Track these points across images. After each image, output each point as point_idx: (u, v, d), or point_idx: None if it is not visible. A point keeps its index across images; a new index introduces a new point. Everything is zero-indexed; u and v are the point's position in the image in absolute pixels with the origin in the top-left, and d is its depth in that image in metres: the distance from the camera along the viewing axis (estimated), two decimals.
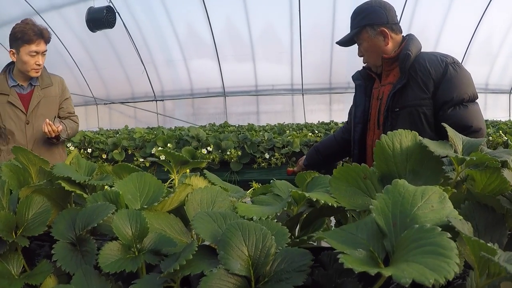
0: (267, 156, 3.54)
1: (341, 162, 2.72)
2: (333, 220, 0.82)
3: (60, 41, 9.72)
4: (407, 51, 1.78)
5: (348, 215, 0.76)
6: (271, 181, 0.84)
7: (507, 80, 10.68)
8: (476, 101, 1.79)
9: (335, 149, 2.25)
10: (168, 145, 3.74)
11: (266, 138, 3.75)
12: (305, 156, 2.38)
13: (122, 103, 11.47)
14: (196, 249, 0.52)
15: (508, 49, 9.77)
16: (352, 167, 0.65)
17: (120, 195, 0.70)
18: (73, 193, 0.78)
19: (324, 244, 0.67)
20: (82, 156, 3.80)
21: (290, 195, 0.68)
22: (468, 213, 0.58)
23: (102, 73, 10.90)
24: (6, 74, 2.43)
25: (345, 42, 1.96)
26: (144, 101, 11.37)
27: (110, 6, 7.07)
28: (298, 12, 9.00)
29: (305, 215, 0.72)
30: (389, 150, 0.67)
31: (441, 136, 1.53)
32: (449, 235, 0.41)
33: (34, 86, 2.44)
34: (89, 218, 0.65)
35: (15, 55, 2.34)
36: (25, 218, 0.72)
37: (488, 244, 0.43)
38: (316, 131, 5.46)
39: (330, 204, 0.61)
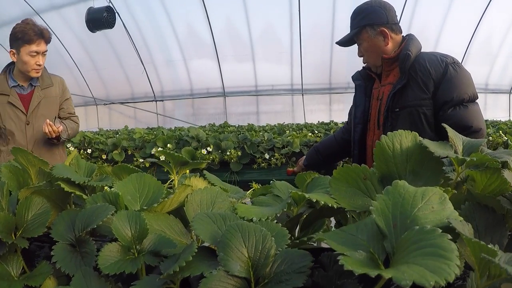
0: (267, 156, 3.54)
1: (341, 162, 2.72)
2: (333, 220, 0.82)
3: (60, 41, 9.72)
4: (407, 51, 1.77)
5: (348, 216, 0.76)
6: (271, 181, 0.84)
7: (507, 80, 10.68)
8: (476, 101, 1.79)
9: (335, 150, 2.25)
10: (168, 145, 3.74)
11: (266, 138, 3.75)
12: (305, 156, 2.38)
13: (122, 103, 11.47)
14: (196, 250, 0.52)
15: (508, 49, 9.77)
16: (352, 167, 0.65)
17: (120, 196, 0.70)
18: (72, 194, 0.78)
19: (324, 245, 0.67)
20: (82, 156, 3.80)
21: (290, 196, 0.68)
22: (468, 214, 0.58)
23: (102, 73, 10.90)
24: (6, 75, 2.43)
25: (345, 42, 1.96)
26: (144, 101, 11.37)
27: (109, 6, 7.07)
28: (298, 12, 8.99)
29: (305, 216, 0.72)
30: (389, 151, 0.67)
31: (441, 136, 1.53)
32: (449, 236, 0.41)
33: (35, 86, 2.44)
34: (89, 219, 0.65)
35: (15, 55, 2.34)
36: (24, 219, 0.71)
37: (489, 246, 0.43)
38: (316, 131, 5.46)
39: (330, 205, 0.61)
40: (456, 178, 0.69)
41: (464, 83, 1.74)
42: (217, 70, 10.41)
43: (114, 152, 3.82)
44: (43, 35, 2.35)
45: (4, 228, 0.68)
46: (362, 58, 1.96)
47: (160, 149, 3.58)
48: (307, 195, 0.63)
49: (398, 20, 1.92)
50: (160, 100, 11.41)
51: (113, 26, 7.06)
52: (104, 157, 3.87)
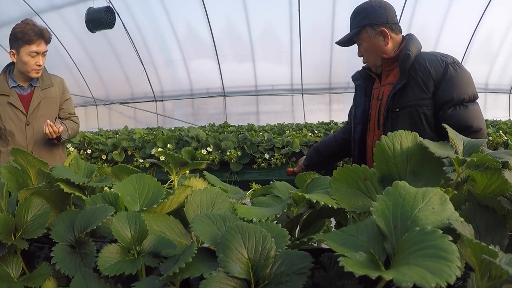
0: (267, 156, 3.54)
1: (341, 162, 2.72)
2: (333, 221, 0.82)
3: (60, 41, 9.73)
4: (407, 51, 1.77)
5: (348, 217, 0.76)
6: (271, 182, 0.84)
7: (507, 80, 10.68)
8: (476, 101, 1.79)
9: (335, 150, 2.25)
10: (168, 145, 3.74)
11: (266, 139, 3.75)
12: (305, 156, 2.38)
13: (122, 103, 11.47)
14: (196, 251, 0.52)
15: (508, 49, 9.77)
16: (352, 168, 0.65)
17: (119, 197, 0.70)
18: (72, 195, 0.78)
19: (324, 245, 0.67)
20: (82, 157, 3.80)
21: (290, 197, 0.68)
22: (469, 214, 0.58)
23: (102, 73, 10.91)
24: (6, 75, 2.42)
25: (344, 42, 1.96)
26: (144, 101, 11.37)
27: (109, 6, 7.07)
28: (298, 12, 8.99)
29: (305, 216, 0.72)
30: (389, 151, 0.67)
31: (441, 136, 1.53)
32: (450, 238, 0.41)
33: (35, 87, 2.44)
34: (88, 221, 0.65)
35: (15, 56, 2.34)
36: (24, 220, 0.71)
37: (490, 247, 0.43)
38: (316, 131, 5.46)
39: (330, 205, 0.61)
40: (456, 179, 0.68)
41: (464, 83, 1.74)
42: (217, 70, 10.41)
43: (114, 152, 3.82)
44: (43, 36, 2.34)
45: (4, 229, 0.68)
46: (362, 58, 1.96)
47: (160, 149, 3.58)
48: (307, 196, 0.63)
49: (398, 20, 1.91)
50: (160, 100, 11.41)
51: (112, 26, 7.06)
52: (104, 157, 3.87)
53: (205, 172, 0.90)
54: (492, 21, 9.03)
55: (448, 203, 0.50)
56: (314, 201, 0.62)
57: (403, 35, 1.90)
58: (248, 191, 1.01)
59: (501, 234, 0.57)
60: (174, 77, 11.01)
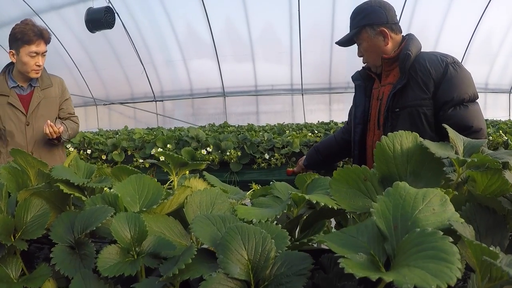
0: (266, 156, 3.54)
1: (341, 163, 2.72)
2: (333, 222, 0.82)
3: (59, 41, 9.72)
4: (407, 51, 1.77)
5: (349, 217, 0.76)
6: (271, 182, 0.84)
7: (507, 79, 10.68)
8: (477, 101, 1.78)
9: (335, 150, 2.25)
10: (168, 145, 3.74)
11: (265, 139, 3.75)
12: (305, 156, 2.38)
13: (122, 103, 11.47)
14: (195, 252, 0.51)
15: (508, 49, 9.77)
16: (352, 168, 0.65)
17: (119, 197, 0.69)
18: (72, 196, 0.78)
19: (324, 246, 0.67)
20: (82, 157, 3.80)
21: (290, 197, 0.68)
22: (469, 215, 0.58)
23: (102, 73, 10.90)
24: (6, 75, 2.42)
25: (344, 42, 1.96)
26: (144, 101, 11.37)
27: (109, 6, 7.07)
28: (298, 12, 8.99)
29: (305, 217, 0.71)
30: (389, 152, 0.67)
31: (442, 136, 1.53)
32: (451, 239, 0.41)
33: (34, 87, 2.43)
34: (88, 221, 0.65)
35: (15, 56, 2.33)
36: (23, 221, 0.71)
37: (490, 248, 0.43)
38: (316, 131, 5.46)
39: (330, 206, 0.61)
40: (457, 179, 0.68)
41: (464, 83, 1.74)
42: (217, 70, 10.41)
43: (113, 152, 3.82)
44: (43, 36, 2.34)
45: (3, 230, 0.68)
46: (362, 58, 1.95)
47: (159, 149, 3.58)
48: (307, 196, 0.63)
49: (398, 20, 1.91)
50: (159, 100, 11.41)
51: (112, 27, 7.06)
52: (103, 157, 3.87)
53: (204, 173, 0.90)
54: (492, 21, 9.03)
55: (448, 204, 0.50)
56: (314, 201, 0.62)
57: (403, 35, 1.90)
58: (248, 191, 1.01)
59: (502, 235, 0.56)
60: (174, 77, 11.01)
